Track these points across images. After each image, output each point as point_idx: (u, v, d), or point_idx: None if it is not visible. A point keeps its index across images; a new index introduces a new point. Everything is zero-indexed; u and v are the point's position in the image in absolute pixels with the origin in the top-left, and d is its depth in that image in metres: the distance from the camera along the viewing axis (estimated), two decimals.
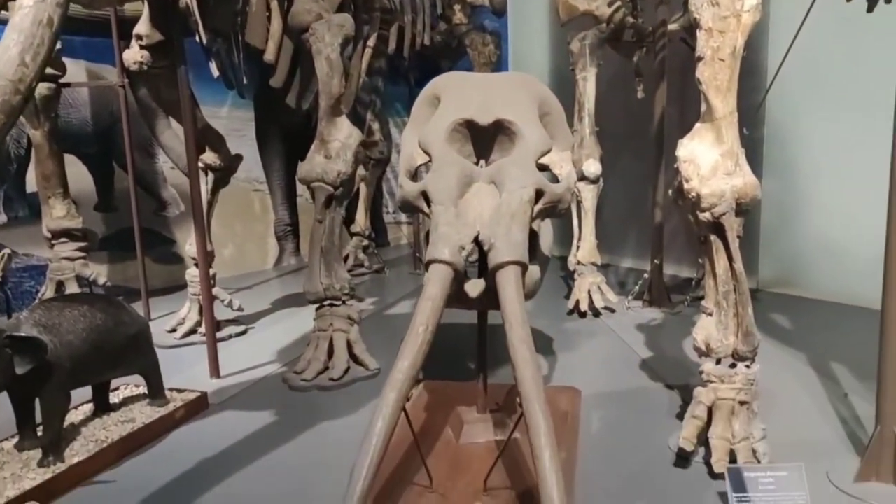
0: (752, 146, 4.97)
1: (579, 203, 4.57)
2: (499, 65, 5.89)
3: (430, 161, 2.46)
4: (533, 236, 2.65)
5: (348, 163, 3.43)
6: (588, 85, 4.52)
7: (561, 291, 4.98)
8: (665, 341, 3.97)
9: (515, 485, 2.22)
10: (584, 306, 4.47)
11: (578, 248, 4.61)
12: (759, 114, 4.94)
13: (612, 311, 4.53)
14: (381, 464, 1.92)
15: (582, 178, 4.51)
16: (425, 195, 2.34)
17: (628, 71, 4.84)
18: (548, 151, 2.49)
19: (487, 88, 2.53)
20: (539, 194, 2.35)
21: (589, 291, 4.51)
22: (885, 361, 2.40)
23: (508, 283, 2.14)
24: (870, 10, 3.01)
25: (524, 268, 2.23)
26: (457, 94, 2.55)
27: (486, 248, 2.23)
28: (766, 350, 3.76)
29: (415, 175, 2.54)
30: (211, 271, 4.09)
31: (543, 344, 4.00)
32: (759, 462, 2.46)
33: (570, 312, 4.54)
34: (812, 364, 3.58)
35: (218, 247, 5.17)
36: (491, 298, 2.23)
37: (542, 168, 2.59)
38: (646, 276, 4.67)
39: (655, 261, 4.58)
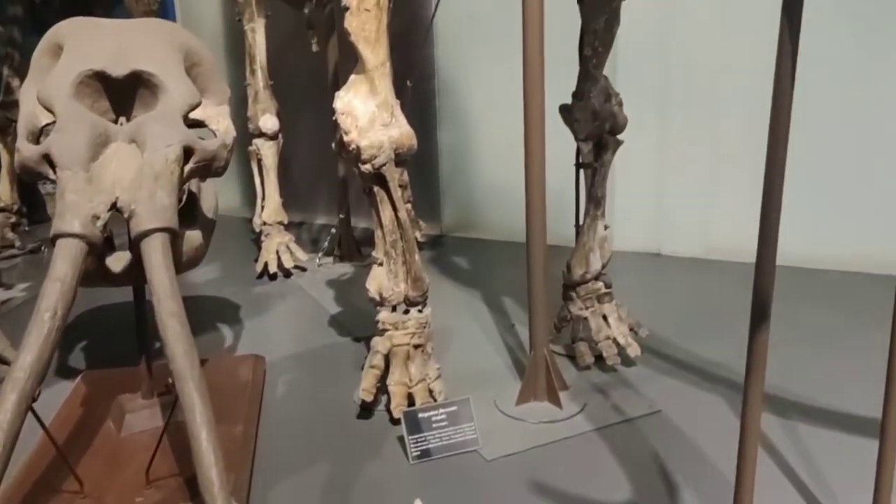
0: (426, 98, 5.20)
1: (260, 161, 4.40)
2: (162, 13, 5.39)
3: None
4: (191, 198, 2.46)
5: None
6: (257, 36, 4.33)
7: (250, 255, 4.78)
8: (354, 295, 4.00)
9: (184, 470, 2.05)
10: (272, 268, 4.34)
11: (263, 208, 4.45)
12: (430, 66, 5.16)
13: (304, 269, 4.47)
14: (3, 476, 1.63)
15: (260, 134, 4.35)
16: (49, 159, 2.02)
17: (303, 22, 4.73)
18: (197, 105, 2.30)
19: (122, 37, 2.27)
20: (188, 153, 2.16)
21: (277, 252, 4.38)
22: (533, 290, 2.65)
23: (154, 252, 1.94)
24: None
25: (173, 234, 2.03)
26: (84, 43, 2.24)
27: (126, 215, 2.00)
28: (446, 292, 4.02)
29: (39, 137, 2.18)
30: None
31: (230, 313, 3.81)
32: (435, 400, 2.57)
33: (260, 276, 4.38)
34: (486, 301, 3.87)
35: None
36: (141, 272, 2.01)
37: (198, 124, 2.40)
38: (333, 231, 4.67)
39: (341, 215, 4.59)
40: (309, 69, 5.11)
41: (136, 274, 2.06)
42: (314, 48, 4.64)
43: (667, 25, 4.27)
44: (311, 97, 5.42)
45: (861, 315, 3.37)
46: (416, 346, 2.63)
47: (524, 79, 2.57)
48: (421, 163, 5.08)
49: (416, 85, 4.66)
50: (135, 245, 2.00)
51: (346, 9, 2.37)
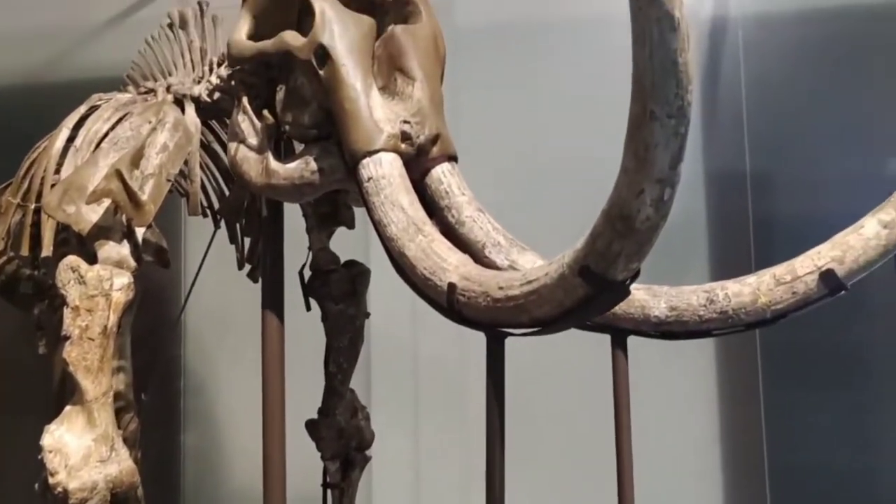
0: (171, 398, 4.88)
1: None
2: None
3: None
4: None
5: None
6: None
7: None
8: None
9: None
10: None
11: None
12: (177, 366, 4.93)
13: None
14: None
15: None
16: None
17: (30, 324, 4.37)
18: None
19: None
20: None
21: None
22: None
23: None
24: (246, 271, 3.23)
25: None
26: None
27: None
28: None
29: None
30: None
31: None
32: None
33: None
34: None
35: None
36: None
37: None
38: None
39: None
40: (34, 374, 4.66)
41: None
42: (41, 350, 4.26)
43: (415, 336, 4.54)
44: (34, 404, 4.87)
45: None
46: None
47: (263, 398, 2.53)
48: (161, 469, 4.62)
49: (160, 385, 4.39)
50: None
51: (67, 338, 2.22)
